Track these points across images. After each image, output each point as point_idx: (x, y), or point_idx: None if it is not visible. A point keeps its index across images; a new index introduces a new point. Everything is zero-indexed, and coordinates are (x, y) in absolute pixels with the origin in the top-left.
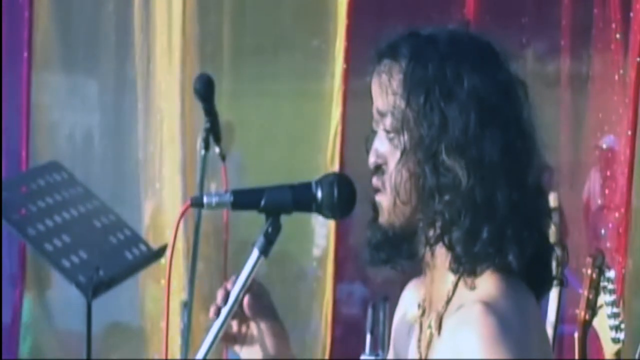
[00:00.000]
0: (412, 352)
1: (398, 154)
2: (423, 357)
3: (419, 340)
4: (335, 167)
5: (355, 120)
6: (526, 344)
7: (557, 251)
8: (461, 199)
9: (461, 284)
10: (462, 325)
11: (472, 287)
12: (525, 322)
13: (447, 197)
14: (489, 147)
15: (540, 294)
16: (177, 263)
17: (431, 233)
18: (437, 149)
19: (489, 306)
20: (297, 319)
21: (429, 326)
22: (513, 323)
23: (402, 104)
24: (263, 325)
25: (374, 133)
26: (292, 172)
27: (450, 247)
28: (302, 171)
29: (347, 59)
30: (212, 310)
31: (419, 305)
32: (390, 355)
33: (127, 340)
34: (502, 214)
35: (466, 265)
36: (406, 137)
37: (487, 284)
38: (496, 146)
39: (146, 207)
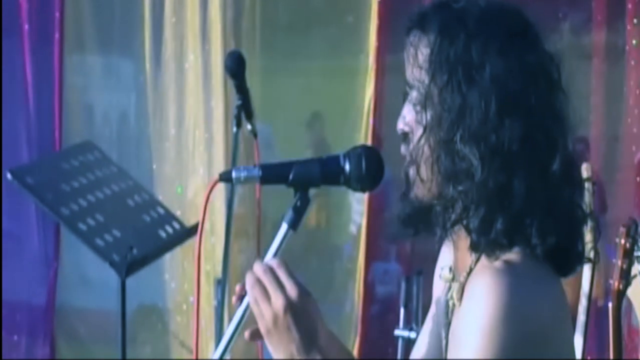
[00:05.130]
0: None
1: (421, 128)
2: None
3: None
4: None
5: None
6: (531, 315)
7: (589, 227)
8: (475, 190)
9: (483, 257)
10: (476, 278)
11: (496, 259)
12: (541, 292)
13: (460, 187)
14: (508, 136)
15: (565, 275)
16: (218, 243)
17: (449, 214)
18: (453, 135)
19: (507, 267)
20: (333, 297)
21: (451, 297)
22: (526, 288)
23: (426, 79)
24: None
25: (406, 96)
26: (325, 149)
27: (467, 231)
28: (336, 149)
29: (380, 35)
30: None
31: (450, 269)
32: (433, 309)
33: (160, 320)
34: (518, 204)
35: (484, 249)
36: (429, 114)
37: (511, 255)
38: (516, 135)
39: (182, 186)
